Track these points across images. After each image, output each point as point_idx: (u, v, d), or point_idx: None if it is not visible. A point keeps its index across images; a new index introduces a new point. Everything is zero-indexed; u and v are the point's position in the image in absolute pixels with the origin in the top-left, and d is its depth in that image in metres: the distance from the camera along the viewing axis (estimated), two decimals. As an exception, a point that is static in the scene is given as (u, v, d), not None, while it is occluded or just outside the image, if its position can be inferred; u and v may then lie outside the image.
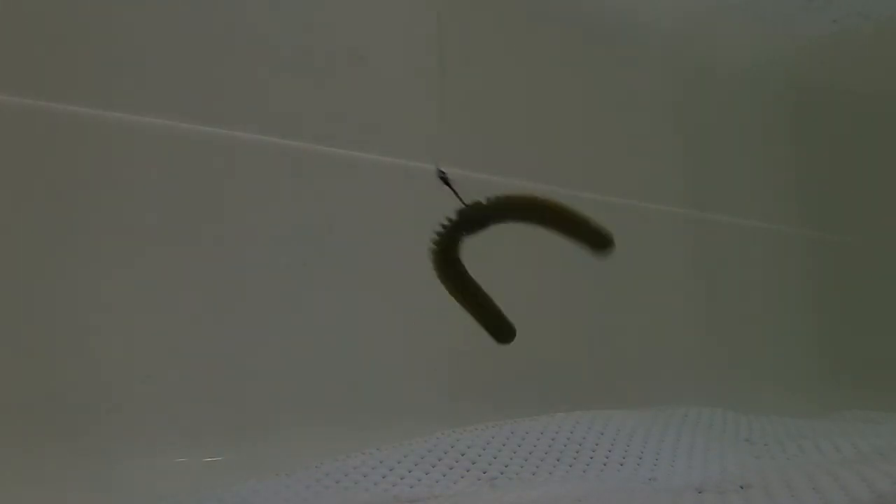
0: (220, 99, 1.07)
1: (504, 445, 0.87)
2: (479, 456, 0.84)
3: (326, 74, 1.16)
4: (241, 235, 1.06)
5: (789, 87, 1.82)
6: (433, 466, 0.81)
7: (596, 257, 0.60)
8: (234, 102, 1.08)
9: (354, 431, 1.02)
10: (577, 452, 0.88)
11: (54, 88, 0.93)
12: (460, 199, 0.58)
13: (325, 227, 1.13)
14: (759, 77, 1.76)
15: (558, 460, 0.86)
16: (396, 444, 0.85)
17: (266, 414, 1.03)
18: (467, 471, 0.82)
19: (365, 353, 1.12)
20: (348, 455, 0.82)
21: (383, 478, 0.78)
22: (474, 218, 0.58)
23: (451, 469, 0.81)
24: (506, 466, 0.83)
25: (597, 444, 0.90)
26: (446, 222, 0.58)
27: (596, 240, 0.60)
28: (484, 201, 0.58)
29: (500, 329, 0.61)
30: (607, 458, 0.88)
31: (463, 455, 0.84)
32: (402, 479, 0.79)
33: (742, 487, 0.70)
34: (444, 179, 0.59)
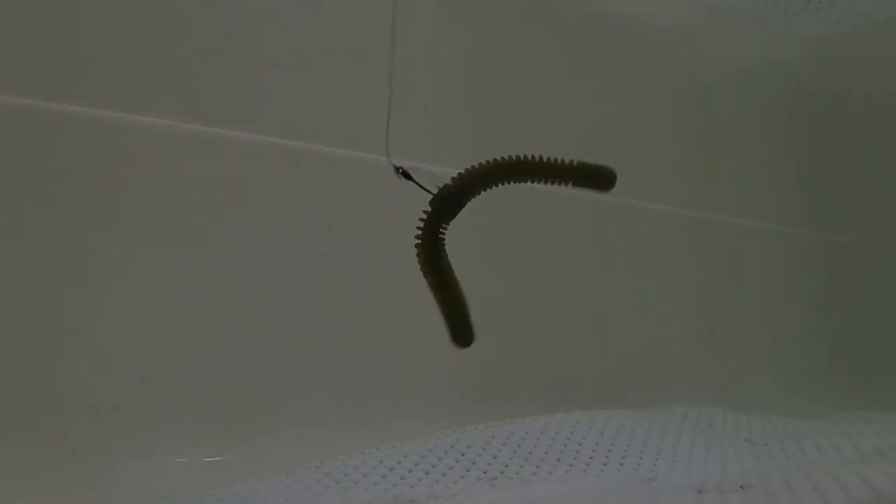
0: (220, 99, 1.07)
1: (504, 445, 0.87)
2: (479, 456, 0.84)
3: (326, 74, 1.16)
4: (241, 235, 1.06)
5: (789, 87, 1.82)
6: (433, 466, 0.81)
7: (601, 193, 0.60)
8: (234, 102, 1.08)
9: (354, 431, 1.02)
10: (577, 452, 0.88)
11: (54, 88, 0.93)
12: (426, 190, 0.58)
13: (325, 227, 1.13)
14: (759, 77, 1.76)
15: (558, 460, 0.85)
16: (396, 444, 0.85)
17: (266, 414, 1.03)
18: (467, 471, 0.81)
19: (365, 353, 1.12)
20: (348, 455, 0.82)
21: (383, 478, 0.78)
22: (448, 201, 0.57)
23: (451, 469, 0.81)
24: (506, 466, 0.83)
25: (597, 444, 0.90)
26: (423, 215, 0.58)
27: (596, 177, 0.60)
28: (450, 181, 0.58)
29: (464, 332, 0.60)
30: (607, 458, 0.88)
31: (463, 455, 0.84)
32: (402, 479, 0.78)
33: (742, 487, 0.70)
34: (405, 174, 0.59)
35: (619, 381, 1.38)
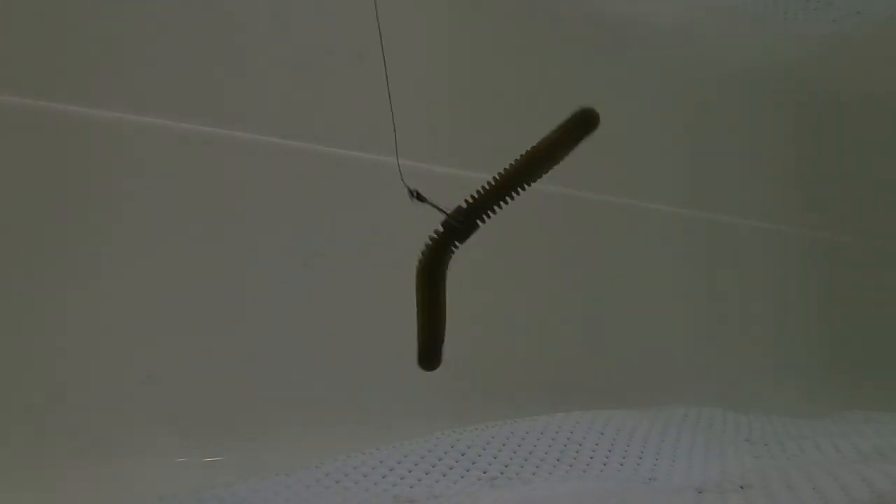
0: (220, 99, 1.07)
1: (504, 445, 0.87)
2: (479, 456, 0.84)
3: (326, 74, 1.16)
4: (241, 235, 1.06)
5: (789, 86, 1.82)
6: (433, 466, 0.81)
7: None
8: (234, 102, 1.08)
9: (354, 431, 1.02)
10: (577, 452, 0.88)
11: (54, 88, 0.93)
12: (441, 210, 0.57)
13: (325, 227, 1.13)
14: (759, 77, 1.76)
15: (558, 460, 0.86)
16: (396, 444, 0.85)
17: (266, 414, 1.03)
18: (467, 471, 0.81)
19: (365, 352, 1.12)
20: (348, 455, 0.82)
21: (383, 478, 0.78)
22: (461, 226, 0.57)
23: (451, 469, 0.81)
24: (506, 466, 0.83)
25: (597, 444, 0.90)
26: (434, 235, 0.57)
27: (583, 127, 0.60)
28: (464, 205, 0.57)
29: (432, 355, 0.59)
30: (607, 458, 0.88)
31: (463, 455, 0.84)
32: (402, 479, 0.78)
33: (742, 487, 0.70)
34: (419, 197, 0.58)
35: (619, 381, 1.38)
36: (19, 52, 0.93)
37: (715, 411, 1.20)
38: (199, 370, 1.00)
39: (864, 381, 1.71)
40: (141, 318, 0.97)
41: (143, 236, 0.99)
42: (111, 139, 0.97)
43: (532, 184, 0.58)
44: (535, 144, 0.59)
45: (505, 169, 0.58)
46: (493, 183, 0.57)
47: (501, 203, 0.57)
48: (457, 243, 0.57)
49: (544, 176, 0.59)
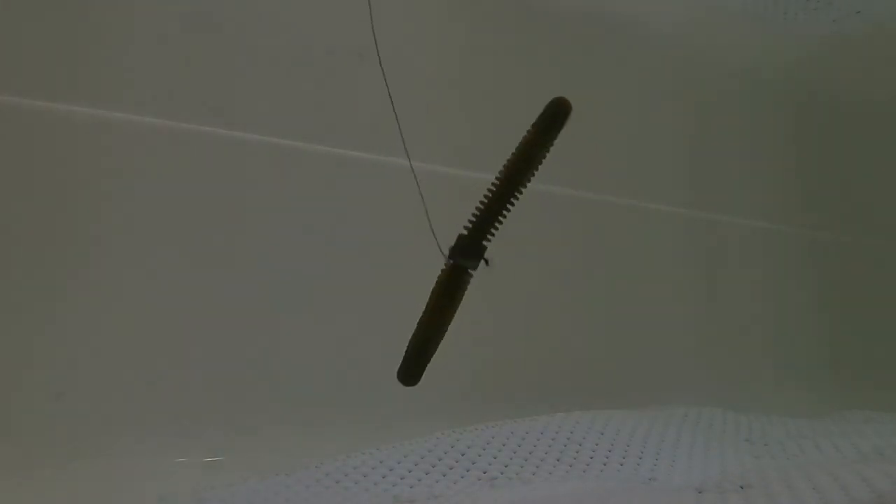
0: (220, 99, 1.07)
1: (504, 445, 0.87)
2: (479, 456, 0.84)
3: (327, 74, 1.16)
4: (242, 236, 1.06)
5: (789, 86, 1.82)
6: (433, 466, 0.81)
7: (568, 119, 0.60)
8: (234, 102, 1.08)
9: (354, 431, 1.02)
10: (577, 452, 0.88)
11: (54, 88, 0.93)
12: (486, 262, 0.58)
13: (326, 227, 1.13)
14: (759, 77, 1.76)
15: (558, 460, 0.86)
16: (396, 444, 0.85)
17: (266, 414, 1.03)
18: (467, 471, 0.81)
19: (365, 353, 1.12)
20: (348, 455, 0.82)
21: (383, 478, 0.78)
22: (473, 250, 0.57)
23: (451, 469, 0.81)
24: (506, 466, 0.83)
25: (597, 444, 0.90)
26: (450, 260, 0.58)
27: (557, 119, 0.60)
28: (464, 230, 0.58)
29: (414, 370, 0.60)
30: (607, 458, 0.88)
31: (463, 455, 0.84)
32: (402, 479, 0.79)
33: (742, 487, 0.70)
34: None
35: (619, 381, 1.38)
36: (19, 52, 0.93)
37: (715, 411, 1.20)
38: (199, 371, 1.00)
39: (864, 381, 1.71)
40: (141, 319, 0.98)
41: (143, 236, 0.99)
42: (111, 139, 0.97)
43: (525, 188, 0.59)
44: (514, 151, 0.59)
45: (493, 184, 0.58)
46: (485, 201, 0.58)
47: (501, 218, 0.58)
48: (470, 271, 0.58)
49: (536, 175, 0.59)
